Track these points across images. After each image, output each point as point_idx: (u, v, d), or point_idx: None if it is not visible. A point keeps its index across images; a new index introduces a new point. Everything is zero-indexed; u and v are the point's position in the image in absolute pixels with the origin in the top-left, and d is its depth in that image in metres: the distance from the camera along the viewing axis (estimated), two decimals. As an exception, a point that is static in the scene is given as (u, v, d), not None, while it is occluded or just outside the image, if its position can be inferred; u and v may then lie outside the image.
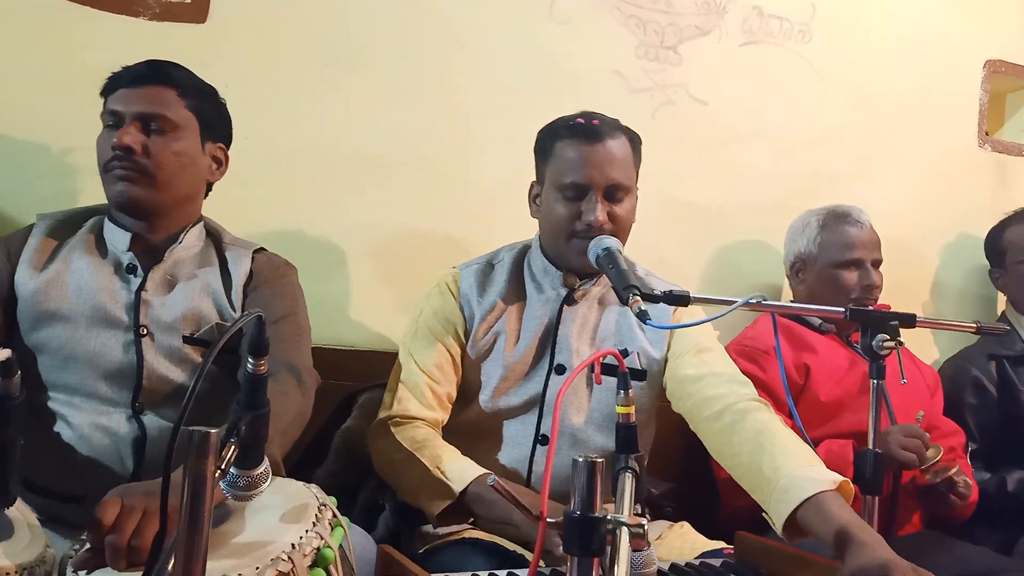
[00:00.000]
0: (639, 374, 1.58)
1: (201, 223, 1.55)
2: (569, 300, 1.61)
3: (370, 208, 1.99)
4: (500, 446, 1.58)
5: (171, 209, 1.48)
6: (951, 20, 2.56)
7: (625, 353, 1.58)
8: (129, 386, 1.38)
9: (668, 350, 1.62)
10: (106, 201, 1.48)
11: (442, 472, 1.40)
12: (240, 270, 1.51)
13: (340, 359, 1.87)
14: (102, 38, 1.77)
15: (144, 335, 1.40)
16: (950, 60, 2.58)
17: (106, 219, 1.50)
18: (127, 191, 1.40)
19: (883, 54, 2.48)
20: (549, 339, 1.59)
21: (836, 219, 2.10)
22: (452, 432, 1.58)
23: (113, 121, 1.42)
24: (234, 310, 1.47)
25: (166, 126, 1.43)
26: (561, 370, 1.57)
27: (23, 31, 1.74)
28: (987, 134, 2.64)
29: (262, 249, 1.59)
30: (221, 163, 1.56)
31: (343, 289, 1.97)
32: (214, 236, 1.56)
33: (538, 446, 1.55)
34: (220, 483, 0.88)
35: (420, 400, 1.54)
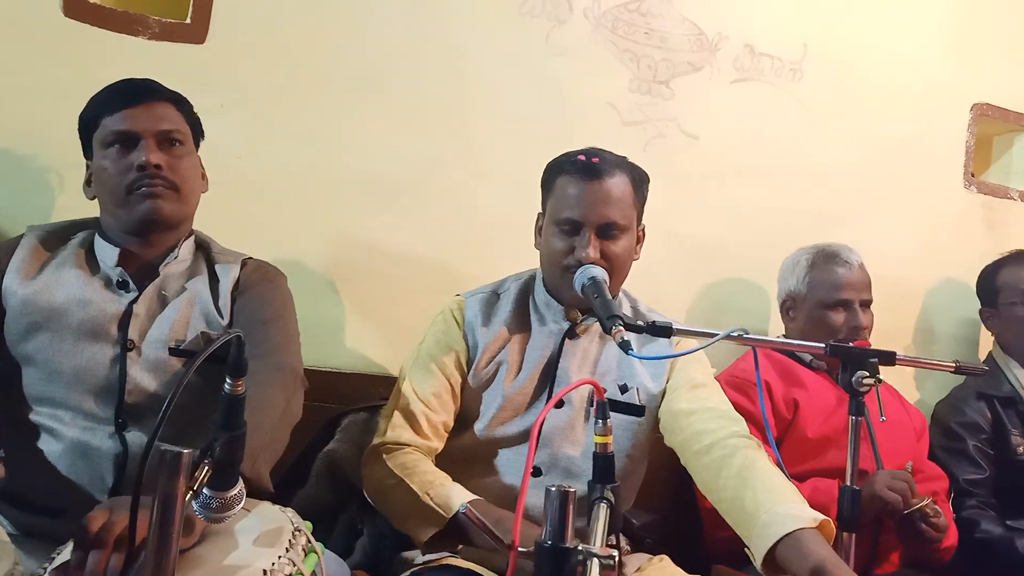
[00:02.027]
0: (638, 410, 1.59)
1: (192, 236, 1.56)
2: (571, 334, 1.61)
3: (367, 231, 2.00)
4: (493, 475, 1.57)
5: (185, 222, 1.51)
6: (940, 64, 2.60)
7: (625, 388, 1.59)
8: (112, 402, 1.37)
9: (667, 383, 1.62)
10: (96, 215, 1.49)
11: (431, 498, 1.40)
12: (229, 277, 1.52)
13: (326, 381, 1.86)
14: (103, 56, 1.79)
15: (131, 349, 1.40)
16: (939, 103, 2.60)
17: (96, 235, 1.50)
18: (160, 208, 1.43)
19: (873, 96, 2.51)
20: (550, 372, 1.59)
21: (825, 259, 2.10)
22: (446, 457, 1.58)
23: (123, 141, 1.43)
24: (222, 316, 1.48)
25: (179, 140, 1.47)
26: (560, 404, 1.57)
27: (24, 47, 1.76)
28: (973, 176, 2.67)
29: (251, 258, 1.60)
30: (205, 174, 1.59)
31: (336, 311, 1.98)
32: (204, 248, 1.57)
33: (531, 478, 1.55)
34: (192, 504, 0.88)
35: (415, 429, 1.53)
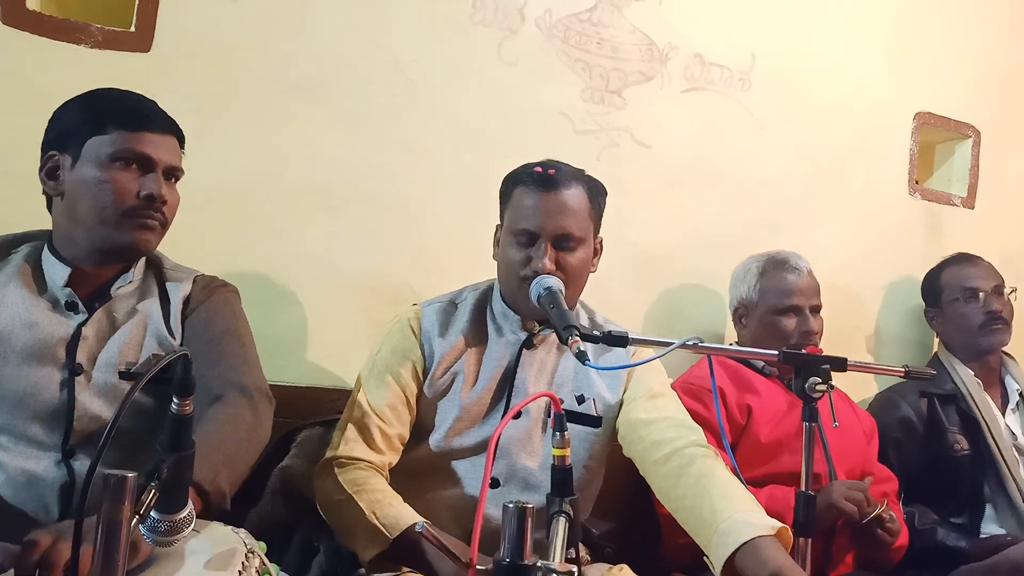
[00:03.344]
0: (595, 420, 1.59)
1: (144, 256, 1.51)
2: (528, 344, 1.61)
3: (318, 242, 1.97)
4: (450, 487, 1.56)
5: None
6: (883, 74, 2.66)
7: (582, 399, 1.60)
8: (60, 428, 1.32)
9: (624, 393, 1.63)
10: (49, 228, 1.43)
11: (377, 518, 1.39)
12: (179, 295, 1.48)
13: (280, 395, 1.80)
14: (44, 65, 1.73)
15: (79, 373, 1.34)
16: (883, 112, 2.67)
17: (45, 250, 1.43)
18: (149, 242, 1.40)
19: (819, 105, 2.56)
20: (507, 383, 1.59)
21: (775, 266, 2.15)
22: (402, 469, 1.56)
23: (138, 163, 1.38)
24: (173, 337, 1.44)
25: (177, 178, 1.45)
26: (517, 415, 1.56)
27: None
28: (917, 183, 2.74)
29: (202, 275, 1.56)
30: None
31: (287, 324, 1.94)
32: (154, 265, 1.52)
33: (489, 489, 1.55)
34: (140, 528, 0.86)
35: (368, 443, 1.52)
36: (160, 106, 1.45)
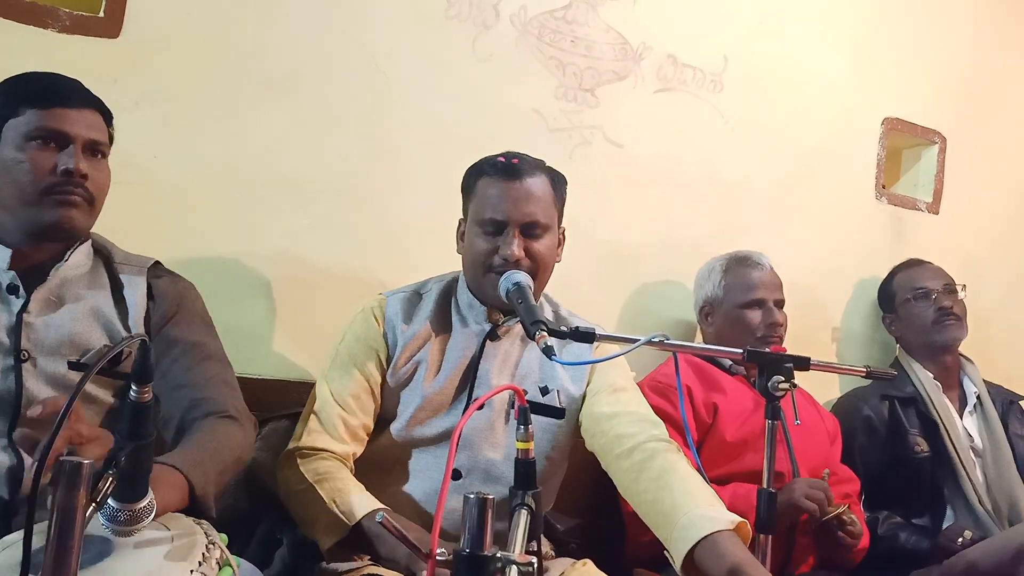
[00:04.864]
0: (558, 412, 1.60)
1: (89, 240, 1.48)
2: (492, 336, 1.61)
3: (287, 234, 1.96)
4: (411, 477, 1.56)
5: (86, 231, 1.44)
6: (853, 80, 2.70)
7: (545, 391, 1.60)
8: (7, 414, 1.30)
9: (587, 386, 1.64)
10: None
11: (337, 505, 1.39)
12: (136, 295, 1.45)
13: (247, 388, 1.78)
14: (9, 48, 1.69)
15: (25, 360, 1.32)
16: (851, 117, 2.71)
17: None
18: (73, 219, 1.37)
19: (789, 109, 2.59)
20: (470, 373, 1.59)
21: (738, 263, 2.20)
22: (364, 460, 1.56)
23: (52, 139, 1.35)
24: (128, 331, 1.41)
25: (102, 152, 1.41)
26: (480, 406, 1.56)
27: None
28: (884, 187, 2.79)
29: (156, 264, 1.53)
30: None
31: (254, 316, 1.93)
32: (103, 254, 1.49)
33: (451, 481, 1.55)
34: (99, 516, 0.85)
35: (331, 433, 1.52)
36: (79, 82, 1.42)
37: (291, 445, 1.53)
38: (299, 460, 1.48)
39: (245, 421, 1.39)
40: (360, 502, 1.39)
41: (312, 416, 1.54)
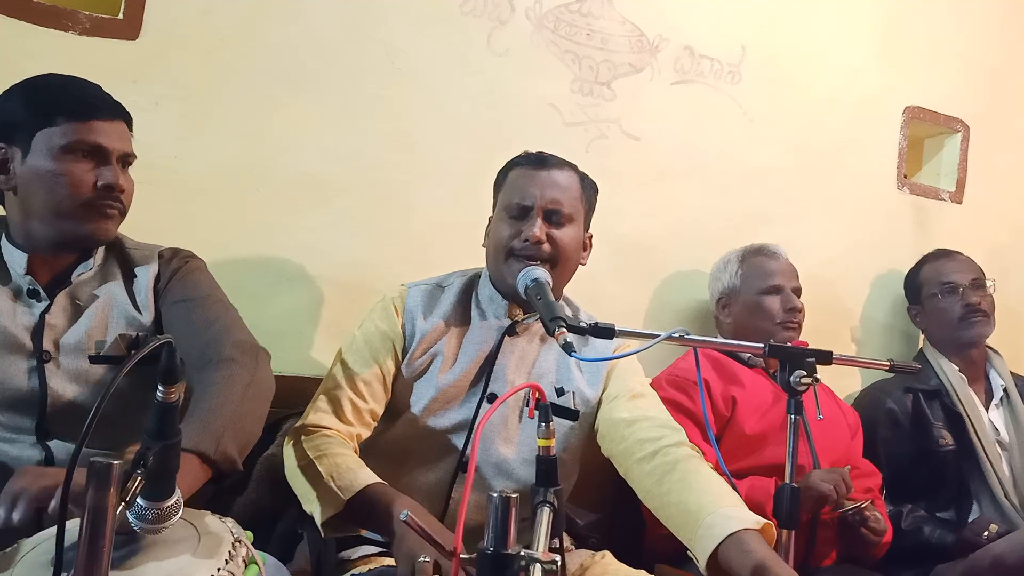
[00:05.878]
0: (572, 414, 1.60)
1: None
2: (511, 331, 1.62)
3: (308, 232, 1.97)
4: (423, 468, 1.57)
5: None
6: (874, 68, 2.67)
7: (561, 392, 1.60)
8: (33, 413, 1.33)
9: (603, 392, 1.63)
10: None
11: (334, 480, 1.39)
12: (148, 274, 1.47)
13: (267, 385, 1.83)
14: (30, 52, 1.72)
15: (47, 361, 1.35)
16: (872, 106, 2.68)
17: (3, 239, 1.43)
18: (109, 231, 1.41)
19: (809, 99, 2.57)
20: (487, 368, 1.59)
21: (754, 253, 2.21)
22: (377, 449, 1.57)
23: (92, 153, 1.36)
24: (141, 313, 1.44)
25: (130, 163, 1.44)
26: (493, 399, 1.57)
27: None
28: (906, 177, 2.76)
29: (166, 249, 1.55)
30: None
31: (274, 313, 1.94)
32: (115, 247, 1.50)
33: (459, 472, 1.56)
34: (128, 515, 0.86)
35: (337, 414, 1.53)
36: (103, 88, 1.43)
37: (298, 423, 1.54)
38: (303, 437, 1.49)
39: (245, 357, 1.36)
40: (358, 477, 1.39)
41: (322, 396, 1.55)
